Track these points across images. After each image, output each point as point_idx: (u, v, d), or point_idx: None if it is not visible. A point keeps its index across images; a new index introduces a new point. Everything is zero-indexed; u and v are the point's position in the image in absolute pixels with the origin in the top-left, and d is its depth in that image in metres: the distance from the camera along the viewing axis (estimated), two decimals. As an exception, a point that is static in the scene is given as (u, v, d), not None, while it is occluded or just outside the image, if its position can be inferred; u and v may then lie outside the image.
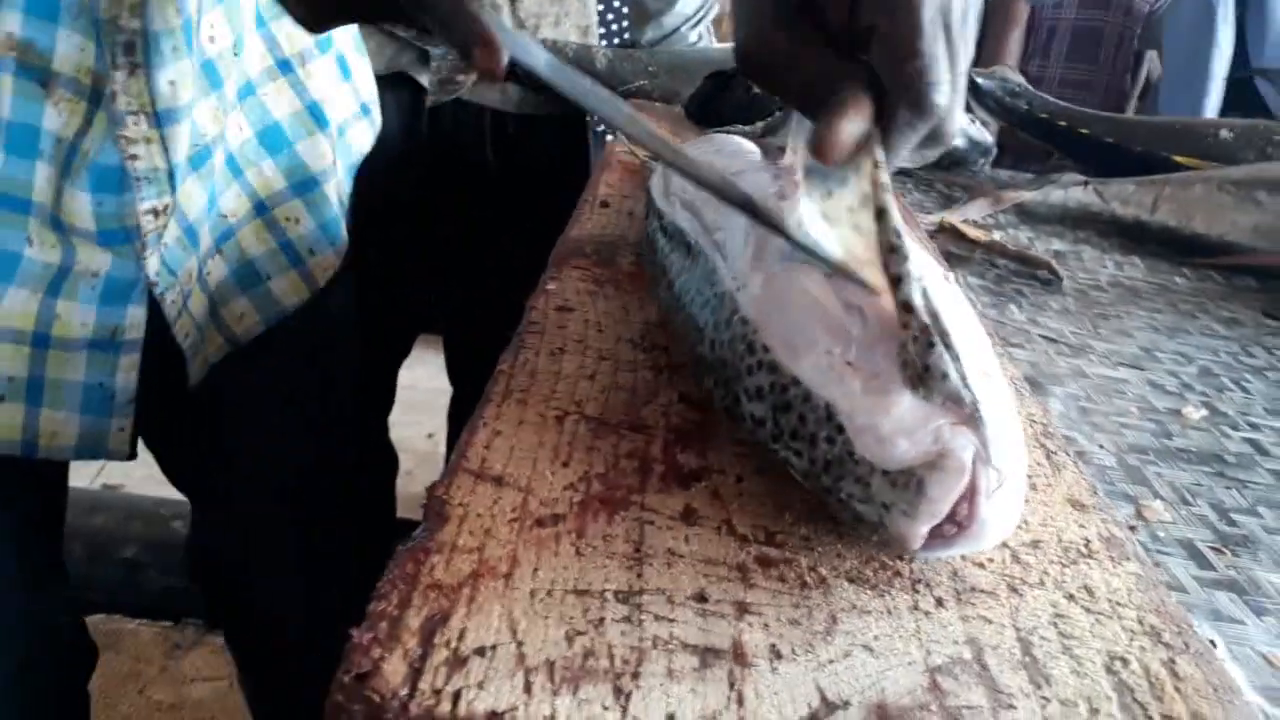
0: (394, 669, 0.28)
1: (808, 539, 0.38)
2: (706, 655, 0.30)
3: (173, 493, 0.86)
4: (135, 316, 0.60)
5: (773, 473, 0.42)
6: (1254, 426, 0.72)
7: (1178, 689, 0.33)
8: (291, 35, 0.67)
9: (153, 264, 0.59)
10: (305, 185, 0.69)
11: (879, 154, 0.37)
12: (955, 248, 1.01)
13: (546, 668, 0.29)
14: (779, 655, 0.31)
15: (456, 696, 0.27)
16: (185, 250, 0.61)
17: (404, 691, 0.27)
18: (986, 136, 1.33)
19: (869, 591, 0.35)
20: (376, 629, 0.29)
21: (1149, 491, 0.60)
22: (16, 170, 0.54)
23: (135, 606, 1.78)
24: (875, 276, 0.37)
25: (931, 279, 0.38)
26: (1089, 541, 0.41)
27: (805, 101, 0.38)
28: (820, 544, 0.38)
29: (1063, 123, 1.32)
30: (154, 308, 0.61)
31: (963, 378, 0.34)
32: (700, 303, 0.45)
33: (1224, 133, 1.28)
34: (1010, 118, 1.36)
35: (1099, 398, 0.72)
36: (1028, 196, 1.22)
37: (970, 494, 0.32)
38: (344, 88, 0.73)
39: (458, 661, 0.28)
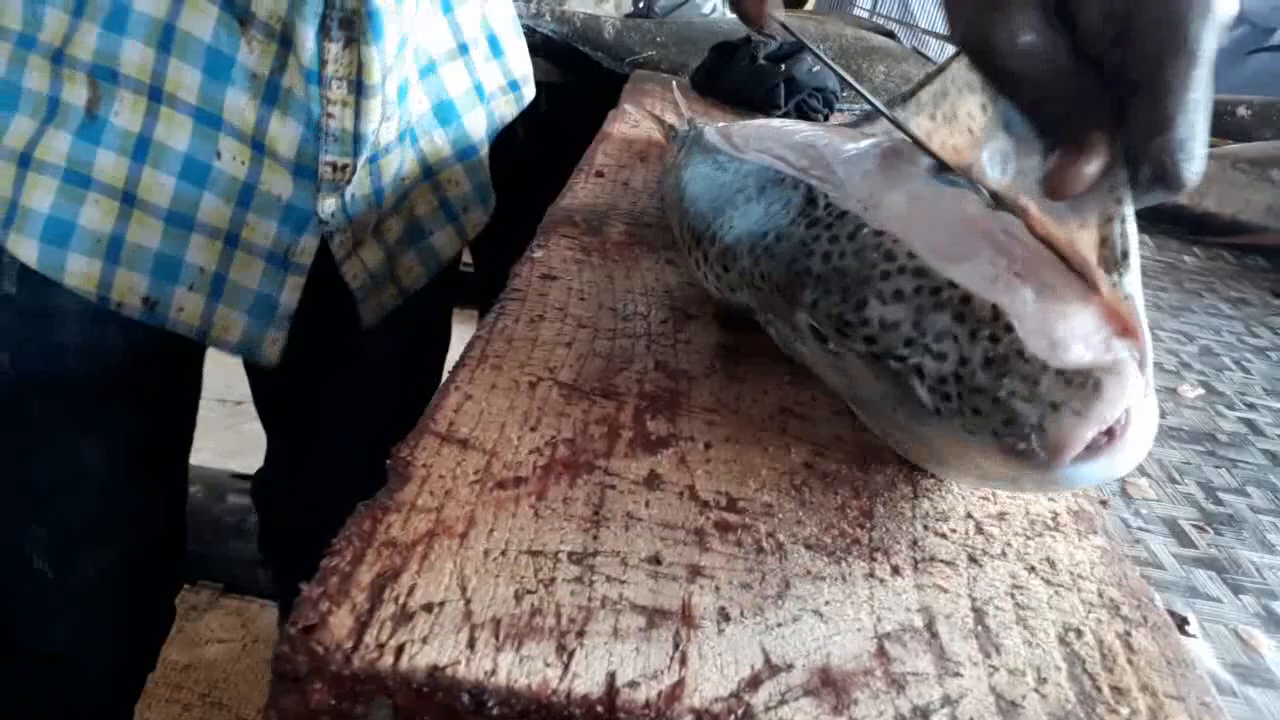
0: (340, 622, 0.28)
1: (770, 506, 0.38)
2: (654, 616, 0.31)
3: (195, 461, 0.89)
4: (308, 244, 0.69)
5: (741, 442, 0.42)
6: (1251, 407, 0.72)
7: (1130, 661, 0.33)
8: (468, 21, 0.75)
9: (326, 205, 0.67)
10: (466, 153, 0.79)
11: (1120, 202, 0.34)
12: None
13: (492, 624, 0.29)
14: (727, 618, 0.31)
15: (400, 650, 0.27)
16: (370, 207, 0.70)
17: (348, 644, 0.27)
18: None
19: (825, 558, 0.35)
20: (327, 584, 0.29)
21: (1136, 469, 0.59)
22: (211, 89, 0.63)
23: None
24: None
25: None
26: (1057, 515, 0.41)
27: (1041, 113, 0.35)
28: (782, 511, 0.38)
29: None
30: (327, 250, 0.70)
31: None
32: (806, 222, 0.43)
33: (1242, 110, 1.26)
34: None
35: (1093, 375, 0.71)
36: (1038, 173, 1.20)
37: (1127, 412, 0.33)
38: (493, 64, 0.81)
39: (404, 617, 0.29)
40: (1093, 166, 0.33)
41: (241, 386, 1.00)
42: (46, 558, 0.76)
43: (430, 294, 0.85)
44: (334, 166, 0.66)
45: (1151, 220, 1.17)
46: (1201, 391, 0.72)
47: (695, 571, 0.33)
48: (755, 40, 1.04)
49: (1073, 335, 0.33)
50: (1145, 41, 0.31)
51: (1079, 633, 0.34)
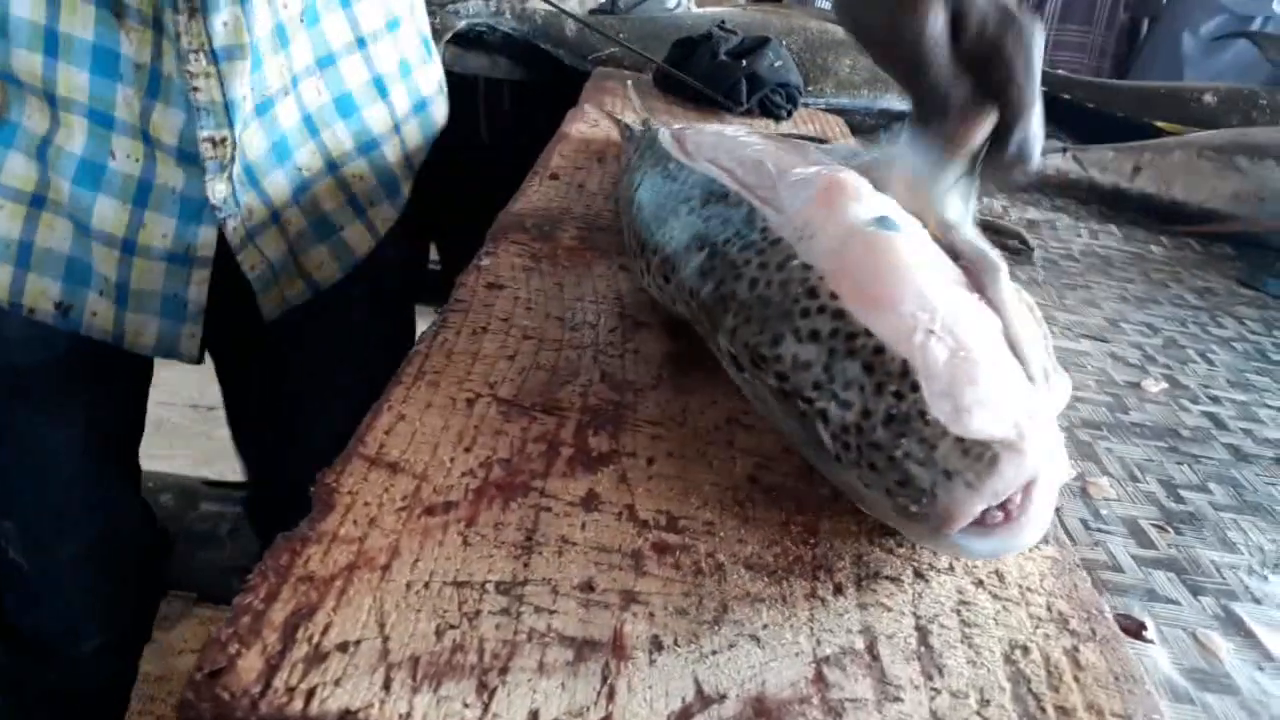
0: (249, 665, 0.27)
1: (711, 524, 0.37)
2: (583, 648, 0.30)
3: (160, 468, 0.88)
4: (206, 236, 0.68)
5: (685, 457, 0.41)
6: (1214, 400, 0.71)
7: (1076, 678, 0.32)
8: (367, 15, 0.75)
9: (217, 190, 0.66)
10: (367, 146, 0.78)
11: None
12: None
13: (410, 663, 0.28)
14: (660, 646, 0.30)
15: (310, 694, 0.26)
16: (244, 185, 0.68)
17: (256, 689, 0.26)
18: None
19: (766, 578, 0.34)
20: (237, 624, 0.28)
21: (1096, 468, 0.59)
22: (100, 89, 0.63)
23: (122, 580, 1.79)
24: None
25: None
26: (1008, 524, 0.40)
27: (926, 93, 0.43)
28: (724, 529, 0.37)
29: (1043, 88, 1.30)
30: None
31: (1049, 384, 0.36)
32: (739, 244, 0.42)
33: (1208, 97, 1.26)
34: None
35: (1056, 371, 0.71)
36: (1005, 164, 1.20)
37: (1027, 489, 0.32)
38: (428, 67, 0.82)
39: (317, 657, 0.27)
40: (981, 133, 0.43)
41: (213, 392, 0.98)
42: (20, 549, 0.78)
43: (395, 293, 0.85)
44: (212, 141, 0.65)
45: (1119, 210, 1.17)
46: (1165, 386, 0.72)
47: (629, 598, 0.32)
48: (716, 36, 1.03)
49: (979, 403, 0.32)
50: (1013, 61, 0.42)
51: (1025, 650, 0.33)
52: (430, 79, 0.83)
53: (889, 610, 0.34)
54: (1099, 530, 0.52)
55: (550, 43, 1.15)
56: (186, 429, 1.58)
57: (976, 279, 0.39)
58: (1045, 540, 0.40)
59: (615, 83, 1.09)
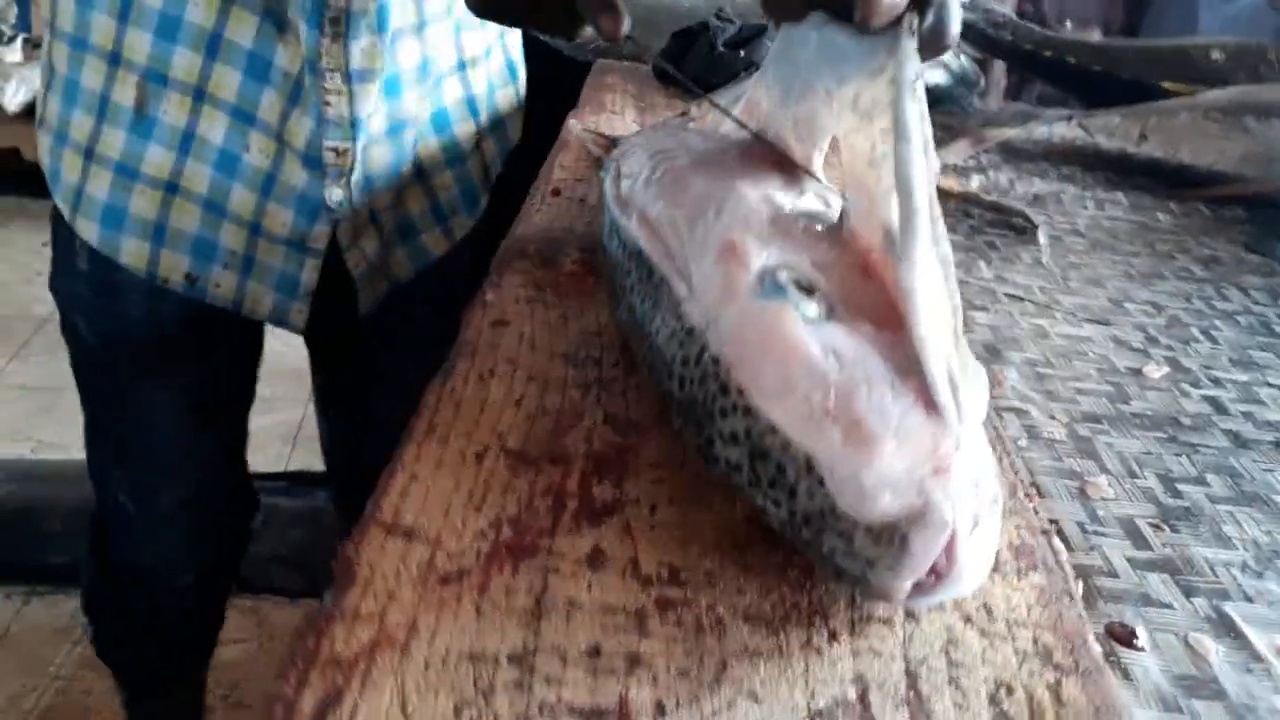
0: (284, 755, 0.29)
1: (711, 574, 0.39)
2: (591, 718, 0.32)
3: None
4: (320, 231, 0.78)
5: (686, 501, 0.43)
6: (1216, 382, 0.72)
7: (1058, 716, 0.34)
8: (469, 42, 0.84)
9: (334, 194, 0.76)
10: (456, 159, 0.86)
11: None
12: (929, 199, 1.00)
13: (431, 744, 0.30)
14: (663, 711, 0.32)
15: (341, 781, 0.29)
16: (361, 194, 0.78)
17: (291, 779, 0.29)
18: (970, 70, 1.31)
19: (764, 630, 0.36)
20: (273, 714, 0.30)
21: (1095, 466, 0.60)
22: (249, 90, 0.72)
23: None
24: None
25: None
26: (998, 553, 0.42)
27: None
28: (723, 578, 0.39)
29: (1048, 53, 1.29)
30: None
31: (958, 406, 0.35)
32: (666, 336, 0.43)
33: (1215, 54, 1.25)
34: (994, 50, 1.33)
35: (1058, 361, 0.72)
36: (1010, 134, 1.19)
37: (950, 546, 0.33)
38: (510, 88, 0.92)
39: (346, 743, 0.30)
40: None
41: None
42: (128, 494, 0.92)
43: (461, 295, 0.90)
44: (335, 151, 0.74)
45: (1126, 175, 1.16)
46: (1167, 370, 0.73)
47: (634, 661, 0.34)
48: (714, 26, 1.03)
49: (881, 483, 0.33)
50: None
51: (1010, 689, 0.35)
52: (509, 98, 0.91)
53: (879, 656, 0.36)
54: (1095, 534, 0.54)
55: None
56: None
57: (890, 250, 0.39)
58: (1034, 567, 0.42)
59: (616, 77, 1.09)
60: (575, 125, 0.77)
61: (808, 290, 0.39)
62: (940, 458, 0.33)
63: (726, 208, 0.44)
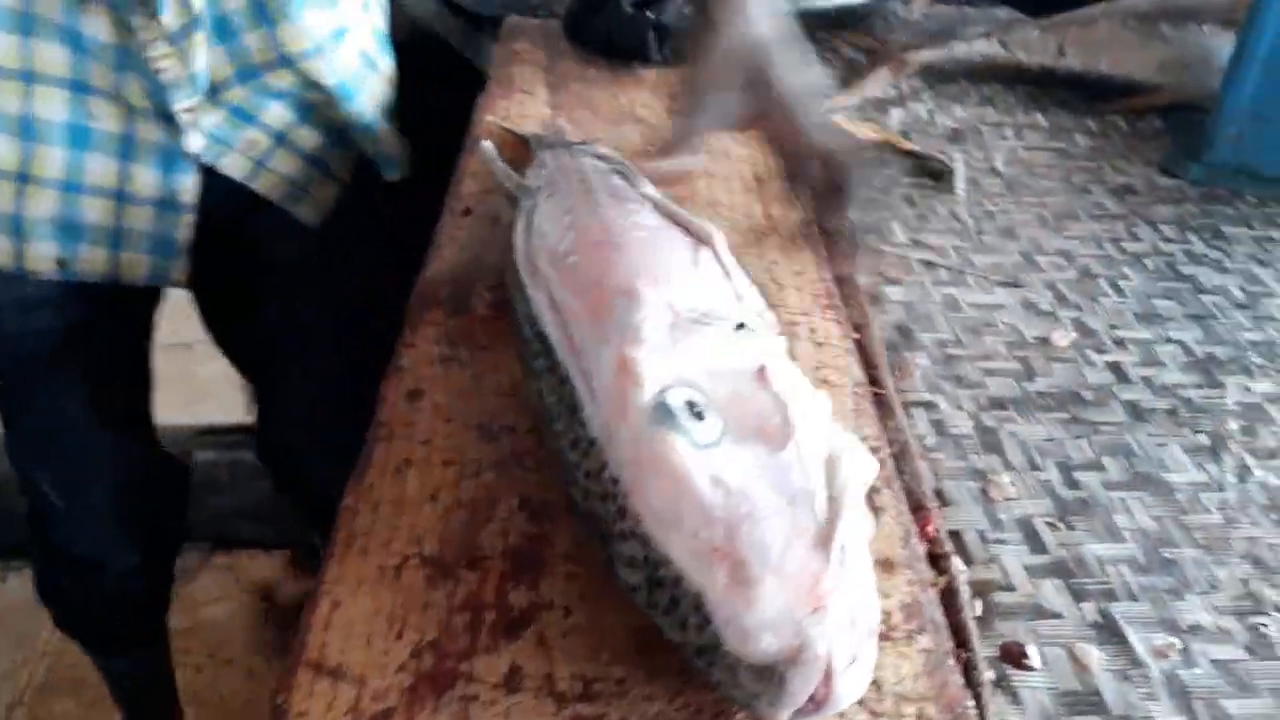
0: None
1: (622, 681, 0.42)
2: None
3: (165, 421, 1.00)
4: (187, 183, 0.78)
5: (597, 597, 0.46)
6: (1120, 344, 0.75)
7: (936, 800, 0.38)
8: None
9: (193, 142, 0.76)
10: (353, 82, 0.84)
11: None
12: (847, 148, 1.00)
13: None
14: (576, 847, 0.36)
15: None
16: (237, 126, 0.78)
17: None
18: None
19: (670, 741, 0.40)
20: None
21: (999, 462, 0.64)
22: (78, 62, 0.71)
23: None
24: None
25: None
26: (889, 615, 0.46)
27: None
28: (634, 684, 0.42)
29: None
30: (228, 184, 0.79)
31: (841, 549, 0.37)
32: (570, 440, 0.45)
33: (1131, -48, 1.22)
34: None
35: (968, 339, 0.74)
36: (931, 57, 1.18)
37: (827, 677, 0.35)
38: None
39: None
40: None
41: (189, 329, 1.03)
42: (52, 489, 0.93)
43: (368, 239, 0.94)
44: (187, 110, 0.74)
45: (1046, 91, 1.16)
46: (1074, 336, 0.75)
47: (548, 794, 0.38)
48: (621, -14, 1.00)
49: (760, 626, 0.35)
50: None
51: (893, 776, 0.39)
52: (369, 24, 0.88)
53: (777, 755, 0.39)
54: (995, 541, 0.58)
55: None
56: (167, 371, 1.63)
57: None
58: (922, 629, 0.45)
59: (525, 43, 1.06)
60: (486, 146, 0.76)
61: (698, 414, 0.40)
62: (818, 597, 0.36)
63: (627, 315, 0.46)
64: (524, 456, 0.53)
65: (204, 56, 0.73)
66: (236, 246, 0.87)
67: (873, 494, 0.52)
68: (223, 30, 0.74)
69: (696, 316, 0.46)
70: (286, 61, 0.78)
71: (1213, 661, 0.50)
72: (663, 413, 0.41)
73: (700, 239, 0.55)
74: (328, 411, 0.93)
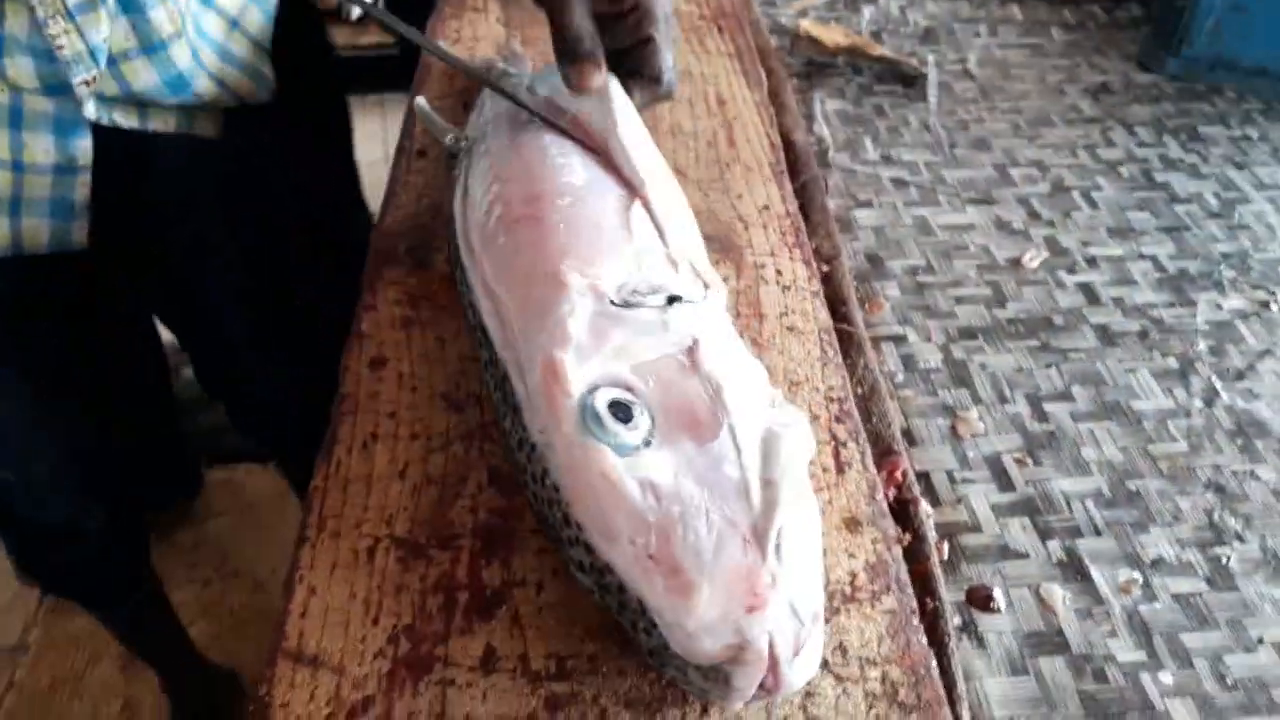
0: None
1: (594, 659, 0.43)
2: None
3: None
4: (83, 147, 0.76)
5: (568, 573, 0.46)
6: (1091, 262, 0.75)
7: (899, 762, 0.40)
8: None
9: (88, 109, 0.74)
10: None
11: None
12: (816, 57, 0.96)
13: None
14: (554, 829, 0.37)
15: None
16: (133, 88, 0.76)
17: None
18: None
19: (643, 716, 0.41)
20: None
21: (968, 395, 0.64)
22: None
23: (132, 460, 1.89)
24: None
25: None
26: (854, 576, 0.46)
27: (569, 45, 0.57)
28: (605, 662, 0.43)
29: None
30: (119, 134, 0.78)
31: (776, 547, 0.37)
32: (515, 440, 0.45)
33: None
34: None
35: (939, 264, 0.74)
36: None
37: (773, 667, 0.36)
38: None
39: None
40: (600, 78, 0.57)
41: None
42: (6, 469, 0.92)
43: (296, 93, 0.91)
44: (85, 83, 0.72)
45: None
46: (1045, 256, 0.75)
47: (527, 777, 0.39)
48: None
49: (701, 629, 0.36)
50: (651, 11, 0.58)
51: (858, 740, 0.40)
52: None
53: (746, 725, 0.41)
54: (964, 481, 0.59)
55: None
56: None
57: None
58: (887, 589, 0.46)
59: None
60: (420, 103, 0.72)
61: (625, 416, 0.40)
62: (754, 596, 0.36)
63: (553, 308, 0.45)
64: (490, 427, 0.53)
65: (105, 30, 0.71)
66: (138, 197, 0.84)
67: (839, 448, 0.53)
68: (129, 3, 0.71)
69: (626, 296, 0.45)
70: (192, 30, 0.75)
71: (1174, 596, 0.52)
72: (590, 418, 0.41)
73: (632, 189, 0.54)
74: (241, 325, 0.99)
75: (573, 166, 0.55)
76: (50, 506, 0.98)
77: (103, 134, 0.77)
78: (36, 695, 1.50)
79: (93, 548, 1.04)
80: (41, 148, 0.75)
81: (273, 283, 0.99)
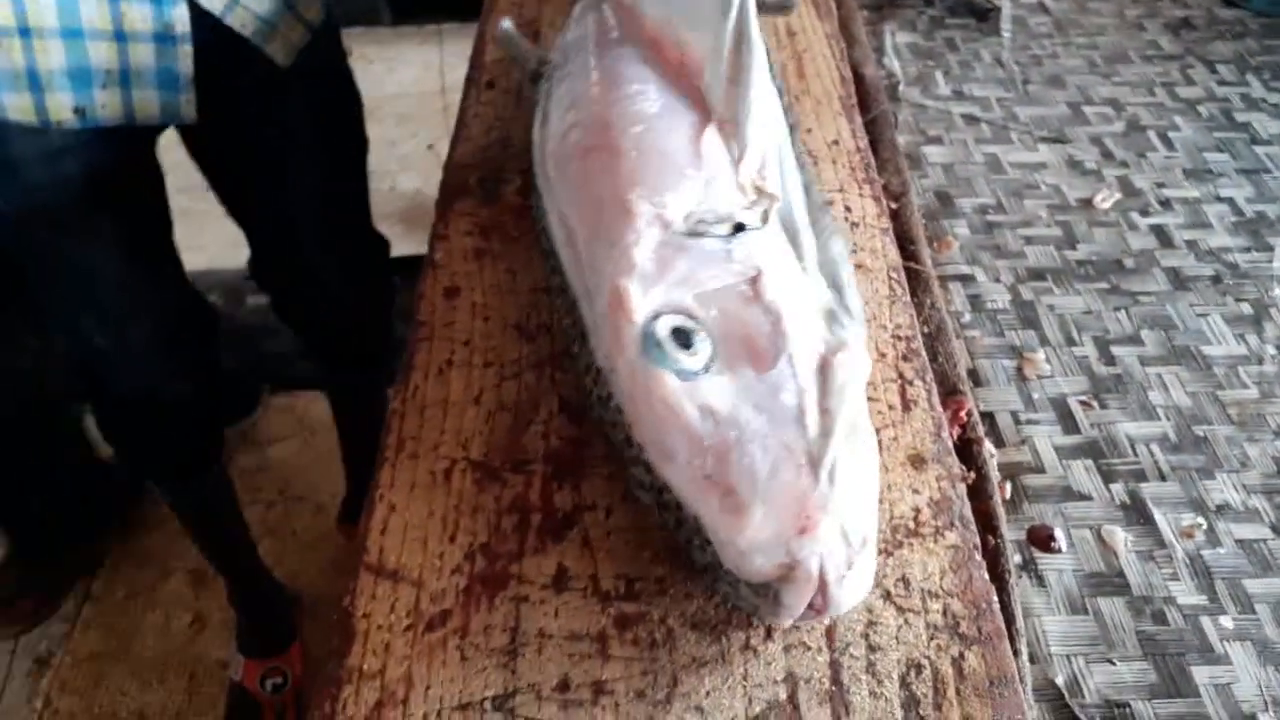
0: (322, 831, 0.37)
1: (662, 580, 0.44)
2: (565, 754, 0.39)
3: (196, 259, 1.07)
4: (179, 15, 0.80)
5: (636, 499, 0.48)
6: (1165, 204, 0.73)
7: (959, 690, 0.41)
8: None
9: None
10: None
11: None
12: (888, -11, 0.94)
13: (437, 803, 0.37)
14: (624, 738, 0.39)
15: None
16: None
17: None
18: None
19: (709, 637, 0.42)
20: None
21: (1035, 337, 0.64)
22: None
23: (199, 384, 1.94)
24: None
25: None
26: (918, 512, 0.47)
27: None
28: (672, 584, 0.44)
29: None
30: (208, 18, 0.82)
31: (830, 473, 0.38)
32: (583, 365, 0.46)
33: None
34: None
35: (1010, 203, 0.73)
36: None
37: (822, 588, 0.37)
38: None
39: (369, 813, 0.37)
40: None
41: None
42: (100, 335, 0.99)
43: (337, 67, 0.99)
44: None
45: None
46: (1118, 197, 0.74)
47: (599, 689, 0.41)
48: None
49: (753, 547, 0.37)
50: None
51: (919, 668, 0.42)
52: None
53: (808, 649, 0.42)
54: (1028, 422, 0.59)
55: None
56: (208, 213, 1.68)
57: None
58: (950, 525, 0.47)
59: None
60: (505, 27, 0.72)
61: (686, 342, 0.41)
62: (805, 518, 0.37)
63: (620, 236, 0.45)
64: (561, 357, 0.54)
65: None
66: (219, 86, 0.89)
67: (905, 386, 0.53)
68: None
69: (691, 225, 0.46)
70: None
71: (1237, 541, 0.52)
72: (650, 344, 0.42)
73: (707, 113, 0.54)
74: (312, 221, 1.06)
75: (648, 93, 0.55)
76: (140, 375, 1.05)
77: (195, 9, 0.81)
78: (112, 606, 1.58)
79: (173, 418, 1.11)
80: (139, 15, 0.78)
81: (340, 187, 1.07)
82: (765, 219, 0.48)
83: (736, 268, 0.44)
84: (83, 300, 0.96)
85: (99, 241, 0.92)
